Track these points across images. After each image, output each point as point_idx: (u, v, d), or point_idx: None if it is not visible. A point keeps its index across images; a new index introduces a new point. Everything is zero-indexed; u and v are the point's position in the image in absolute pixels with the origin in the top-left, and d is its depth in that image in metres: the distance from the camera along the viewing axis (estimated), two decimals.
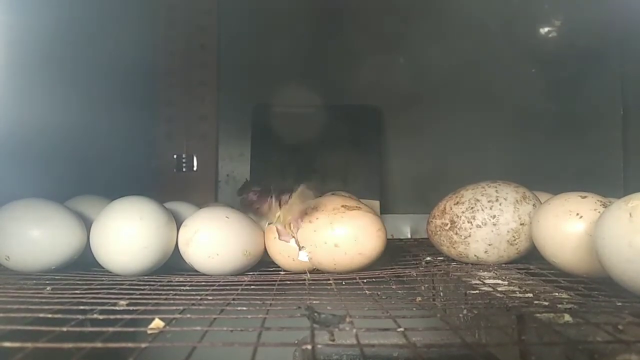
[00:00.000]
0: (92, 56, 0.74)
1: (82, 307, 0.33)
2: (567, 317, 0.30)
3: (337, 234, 0.46)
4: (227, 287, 0.42)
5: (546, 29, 0.83)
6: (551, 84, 0.83)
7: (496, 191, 0.49)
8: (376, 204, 0.75)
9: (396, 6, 0.83)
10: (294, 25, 0.83)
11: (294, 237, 0.48)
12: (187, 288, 0.42)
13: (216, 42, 0.82)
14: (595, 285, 0.39)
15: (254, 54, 0.82)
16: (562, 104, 0.82)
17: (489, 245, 0.48)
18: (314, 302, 0.35)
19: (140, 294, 0.38)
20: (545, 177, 0.77)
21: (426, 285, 0.47)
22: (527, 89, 0.83)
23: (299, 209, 0.48)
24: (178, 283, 0.44)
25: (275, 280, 0.45)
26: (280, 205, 0.51)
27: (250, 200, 0.54)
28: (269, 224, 0.51)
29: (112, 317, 0.31)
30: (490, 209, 0.48)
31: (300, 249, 0.48)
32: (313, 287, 0.42)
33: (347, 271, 0.48)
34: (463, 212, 0.49)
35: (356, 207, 0.48)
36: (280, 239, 0.49)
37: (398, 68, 0.83)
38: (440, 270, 0.48)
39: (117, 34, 0.76)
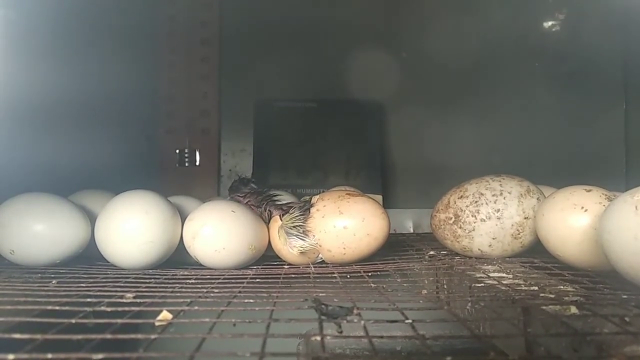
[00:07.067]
0: (91, 49, 0.74)
1: (89, 300, 0.33)
2: (574, 309, 0.30)
3: (345, 217, 0.48)
4: (233, 281, 0.42)
5: (549, 23, 0.83)
6: (554, 77, 0.83)
7: (500, 185, 0.49)
8: (379, 198, 0.75)
9: (396, 1, 0.83)
10: (296, 20, 0.82)
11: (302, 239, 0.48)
12: (193, 281, 0.42)
13: (218, 37, 0.82)
14: (600, 279, 0.39)
15: (256, 48, 0.82)
16: (564, 98, 0.82)
17: (493, 239, 0.48)
18: (320, 294, 0.35)
19: (147, 287, 0.38)
20: (548, 171, 0.77)
21: (430, 278, 0.48)
22: (530, 83, 0.83)
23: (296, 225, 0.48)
24: (183, 276, 0.44)
25: (280, 274, 0.45)
26: (270, 215, 0.51)
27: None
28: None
29: (119, 309, 0.31)
30: (495, 202, 0.48)
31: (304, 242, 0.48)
32: (318, 280, 0.42)
33: (356, 256, 0.48)
34: (467, 206, 0.49)
35: (359, 194, 0.51)
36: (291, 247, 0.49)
37: (399, 63, 0.83)
38: (445, 264, 0.48)
39: (117, 28, 0.76)
